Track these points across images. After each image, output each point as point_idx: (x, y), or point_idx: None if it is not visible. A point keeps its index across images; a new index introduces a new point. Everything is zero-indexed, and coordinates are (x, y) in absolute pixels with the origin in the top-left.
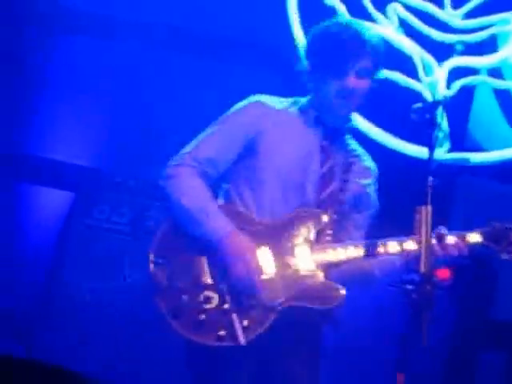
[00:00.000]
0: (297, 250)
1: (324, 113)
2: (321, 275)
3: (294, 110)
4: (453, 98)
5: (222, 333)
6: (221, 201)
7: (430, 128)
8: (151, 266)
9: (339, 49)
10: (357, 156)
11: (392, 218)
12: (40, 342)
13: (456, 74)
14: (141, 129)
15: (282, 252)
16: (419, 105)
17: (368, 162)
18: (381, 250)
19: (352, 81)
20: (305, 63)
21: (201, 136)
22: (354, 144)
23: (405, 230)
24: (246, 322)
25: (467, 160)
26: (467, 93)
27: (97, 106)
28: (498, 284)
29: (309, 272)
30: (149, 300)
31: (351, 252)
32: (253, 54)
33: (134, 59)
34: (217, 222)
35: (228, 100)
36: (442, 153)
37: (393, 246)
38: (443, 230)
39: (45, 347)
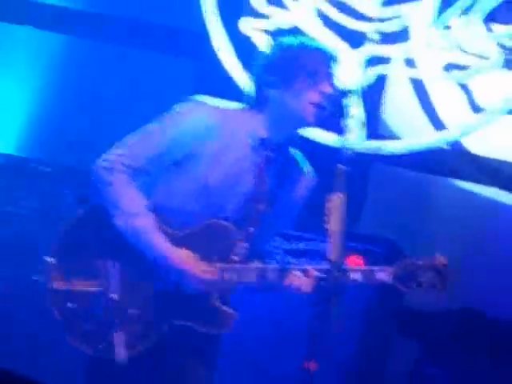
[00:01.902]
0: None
1: (275, 128)
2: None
3: (241, 117)
4: (368, 86)
5: (100, 346)
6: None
7: (339, 116)
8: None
9: (312, 61)
10: (295, 168)
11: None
12: None
13: (371, 62)
14: (54, 114)
15: None
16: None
17: (305, 173)
18: None
19: (326, 87)
20: (266, 77)
21: (134, 136)
22: (295, 156)
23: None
24: (126, 338)
25: (380, 149)
26: (382, 81)
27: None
28: None
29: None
30: None
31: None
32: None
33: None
34: (154, 240)
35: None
36: (358, 141)
37: None
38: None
39: None
